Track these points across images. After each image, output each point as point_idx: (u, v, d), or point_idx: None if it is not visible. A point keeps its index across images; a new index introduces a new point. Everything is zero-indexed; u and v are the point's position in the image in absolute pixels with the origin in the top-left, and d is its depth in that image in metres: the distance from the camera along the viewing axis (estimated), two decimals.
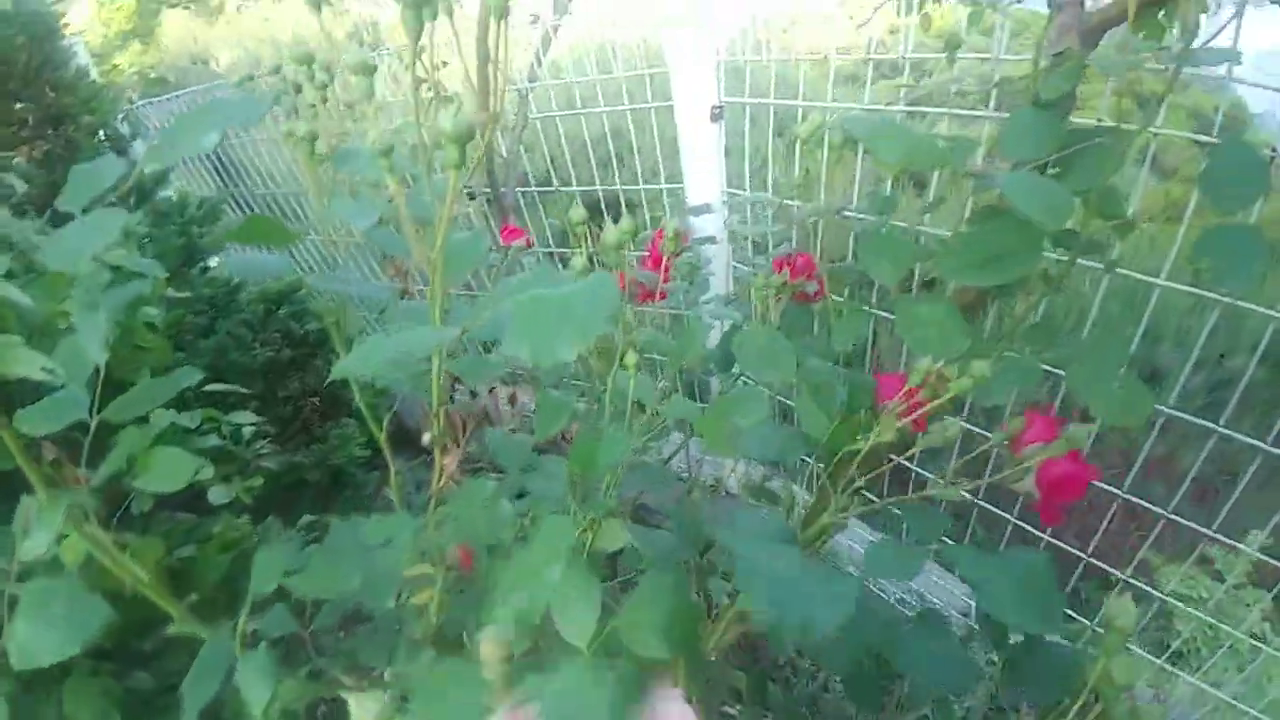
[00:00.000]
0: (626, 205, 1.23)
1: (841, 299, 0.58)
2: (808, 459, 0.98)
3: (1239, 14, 0.43)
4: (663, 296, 0.85)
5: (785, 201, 0.89)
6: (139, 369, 0.58)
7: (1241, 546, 0.87)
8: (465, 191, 1.31)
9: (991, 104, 0.80)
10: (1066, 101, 0.52)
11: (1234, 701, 0.98)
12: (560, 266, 1.29)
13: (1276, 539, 0.81)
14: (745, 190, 1.08)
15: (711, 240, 1.04)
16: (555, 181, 1.28)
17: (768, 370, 0.50)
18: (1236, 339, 1.44)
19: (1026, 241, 0.47)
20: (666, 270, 0.87)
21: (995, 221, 0.49)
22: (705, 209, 1.01)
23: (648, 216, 1.19)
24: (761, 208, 0.97)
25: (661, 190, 1.17)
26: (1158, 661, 1.08)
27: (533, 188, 1.32)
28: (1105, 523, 0.95)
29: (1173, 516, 0.85)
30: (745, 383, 0.73)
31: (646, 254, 0.93)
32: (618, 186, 1.17)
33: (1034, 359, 0.45)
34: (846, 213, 0.69)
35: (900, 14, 0.98)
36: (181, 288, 1.08)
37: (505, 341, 0.26)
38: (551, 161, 1.32)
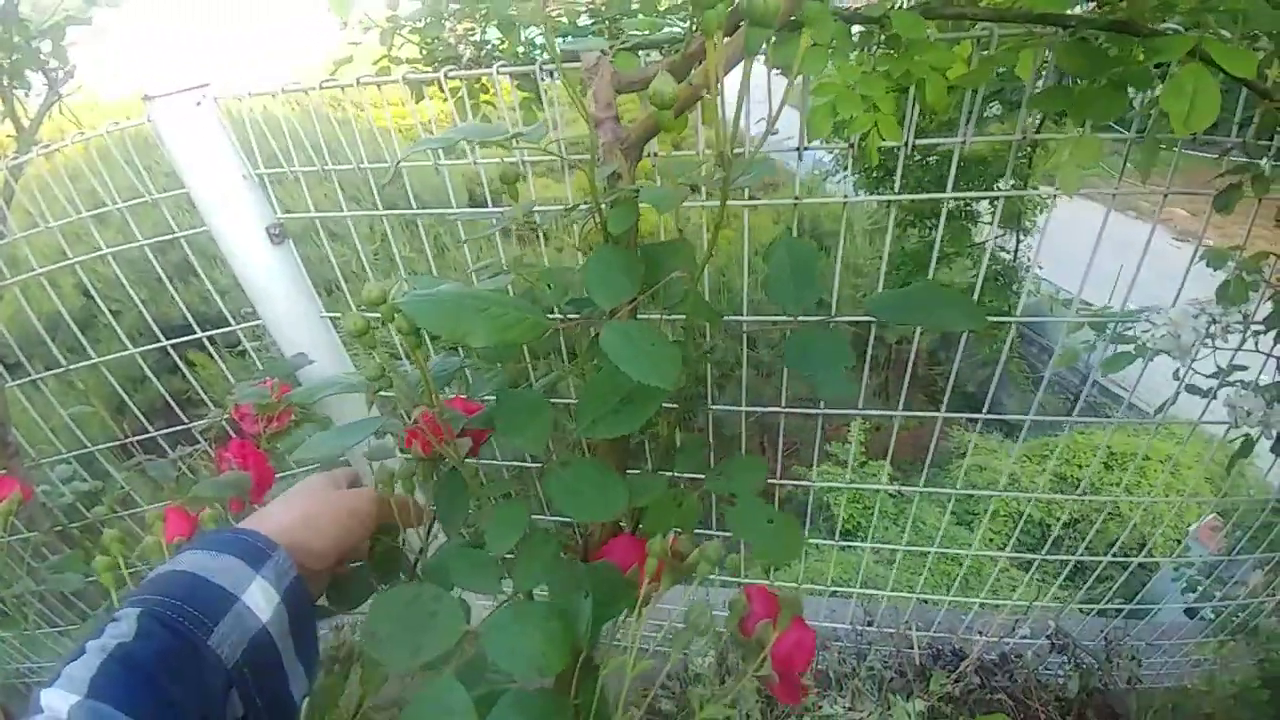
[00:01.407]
0: (226, 344, 0.93)
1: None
2: None
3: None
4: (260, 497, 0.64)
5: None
6: None
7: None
8: None
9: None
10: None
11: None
12: (99, 480, 0.92)
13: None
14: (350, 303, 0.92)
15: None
16: (94, 344, 0.91)
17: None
18: None
19: (642, 385, 0.46)
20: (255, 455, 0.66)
21: (611, 368, 0.46)
22: (302, 360, 0.81)
23: (225, 368, 0.93)
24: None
25: (252, 330, 0.91)
26: (832, 542, 1.27)
27: (34, 375, 0.92)
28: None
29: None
30: None
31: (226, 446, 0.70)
32: (165, 343, 0.88)
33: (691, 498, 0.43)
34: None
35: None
36: None
37: None
38: (85, 306, 0.94)
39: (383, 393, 0.46)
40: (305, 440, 0.47)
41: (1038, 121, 0.68)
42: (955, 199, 0.77)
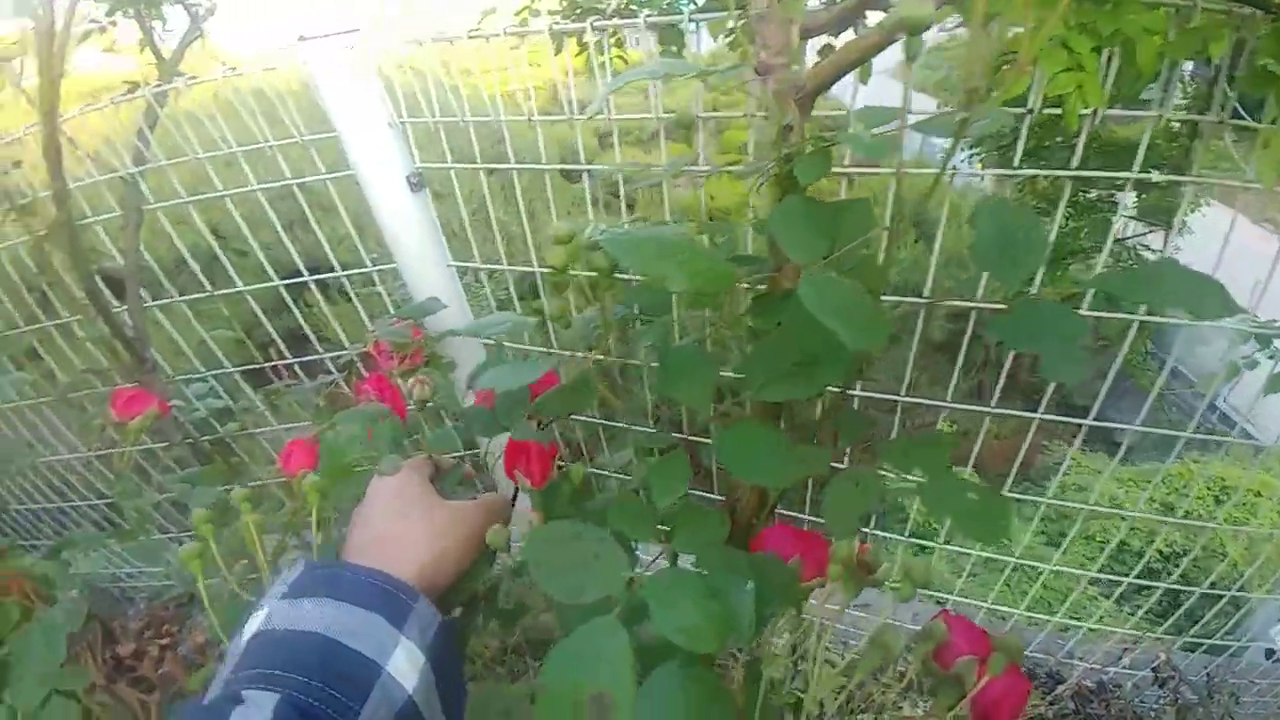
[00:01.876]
0: (324, 292, 0.97)
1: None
2: None
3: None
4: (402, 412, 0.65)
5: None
6: None
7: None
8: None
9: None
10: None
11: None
12: (230, 400, 0.98)
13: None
14: (475, 259, 0.93)
15: (454, 333, 0.86)
16: (211, 283, 0.96)
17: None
18: None
19: (832, 347, 0.43)
20: (391, 390, 0.68)
21: (795, 327, 0.44)
22: (434, 304, 0.83)
23: (357, 302, 0.96)
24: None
25: (372, 274, 0.94)
26: (904, 539, 1.20)
27: (175, 297, 0.98)
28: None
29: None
30: None
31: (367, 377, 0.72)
32: (306, 278, 0.92)
33: (872, 478, 0.40)
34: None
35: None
36: None
37: None
38: (217, 244, 0.99)
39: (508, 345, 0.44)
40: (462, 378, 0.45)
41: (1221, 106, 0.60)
42: (1079, 176, 0.68)
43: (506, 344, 0.82)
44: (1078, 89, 0.57)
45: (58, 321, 1.01)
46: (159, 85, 0.86)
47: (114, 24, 1.20)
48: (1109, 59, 0.60)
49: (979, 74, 0.31)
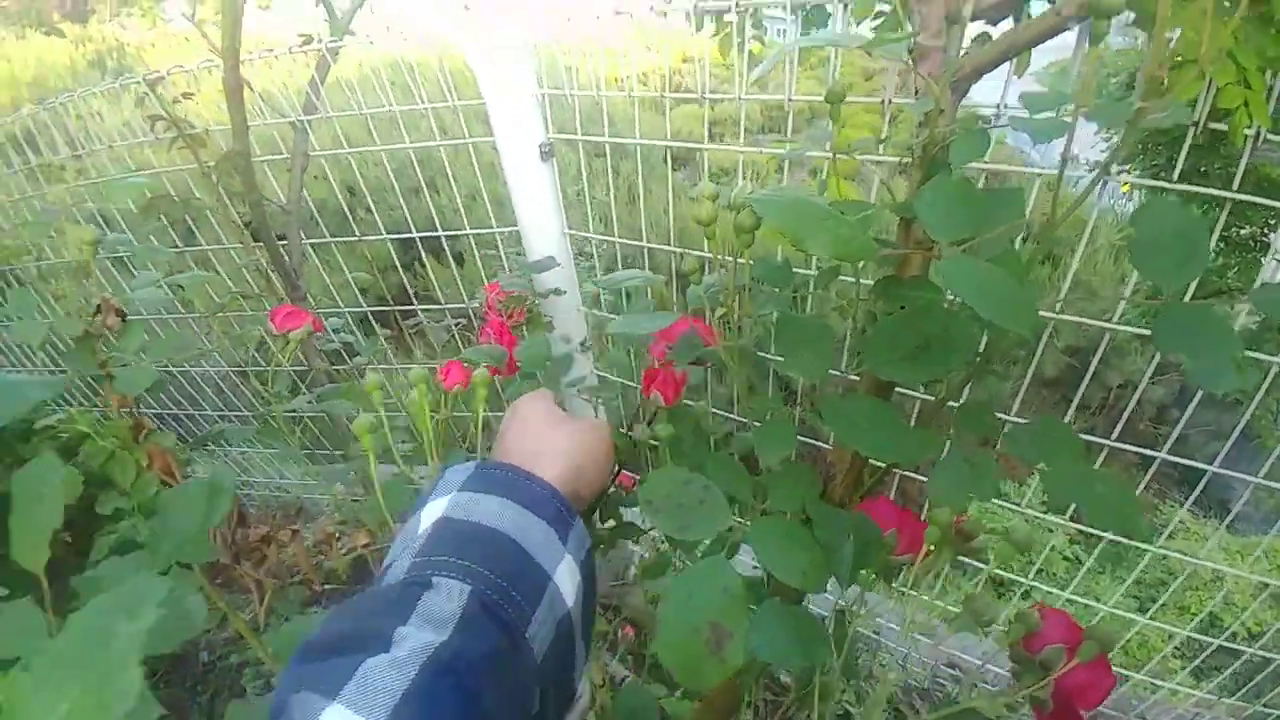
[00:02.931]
0: (453, 253, 1.05)
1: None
2: None
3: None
4: (513, 369, 0.71)
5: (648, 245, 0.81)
6: None
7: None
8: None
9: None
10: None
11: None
12: (362, 338, 1.07)
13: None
14: (589, 232, 0.98)
15: (559, 292, 0.91)
16: (355, 227, 1.06)
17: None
18: None
19: (957, 328, 0.44)
20: (508, 336, 0.74)
21: (920, 307, 0.45)
22: (550, 263, 0.88)
23: (479, 262, 1.04)
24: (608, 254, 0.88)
25: (495, 236, 1.01)
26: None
27: (326, 238, 1.08)
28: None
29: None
30: None
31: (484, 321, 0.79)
32: (439, 233, 1.00)
33: (988, 460, 0.41)
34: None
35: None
36: None
37: None
38: (348, 200, 1.10)
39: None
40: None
41: None
42: (1239, 200, 0.63)
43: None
44: (1244, 105, 0.54)
45: (216, 246, 1.14)
46: (334, 42, 0.95)
47: None
48: (1273, 83, 0.57)
49: (1161, 64, 0.31)
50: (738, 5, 0.76)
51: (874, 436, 0.42)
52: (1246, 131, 0.58)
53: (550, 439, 0.43)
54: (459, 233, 0.98)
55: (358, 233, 1.05)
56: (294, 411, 0.97)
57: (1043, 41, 0.46)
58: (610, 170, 0.97)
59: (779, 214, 0.38)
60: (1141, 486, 0.82)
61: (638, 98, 0.86)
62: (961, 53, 0.48)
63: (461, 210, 1.02)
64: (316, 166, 1.11)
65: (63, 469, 0.40)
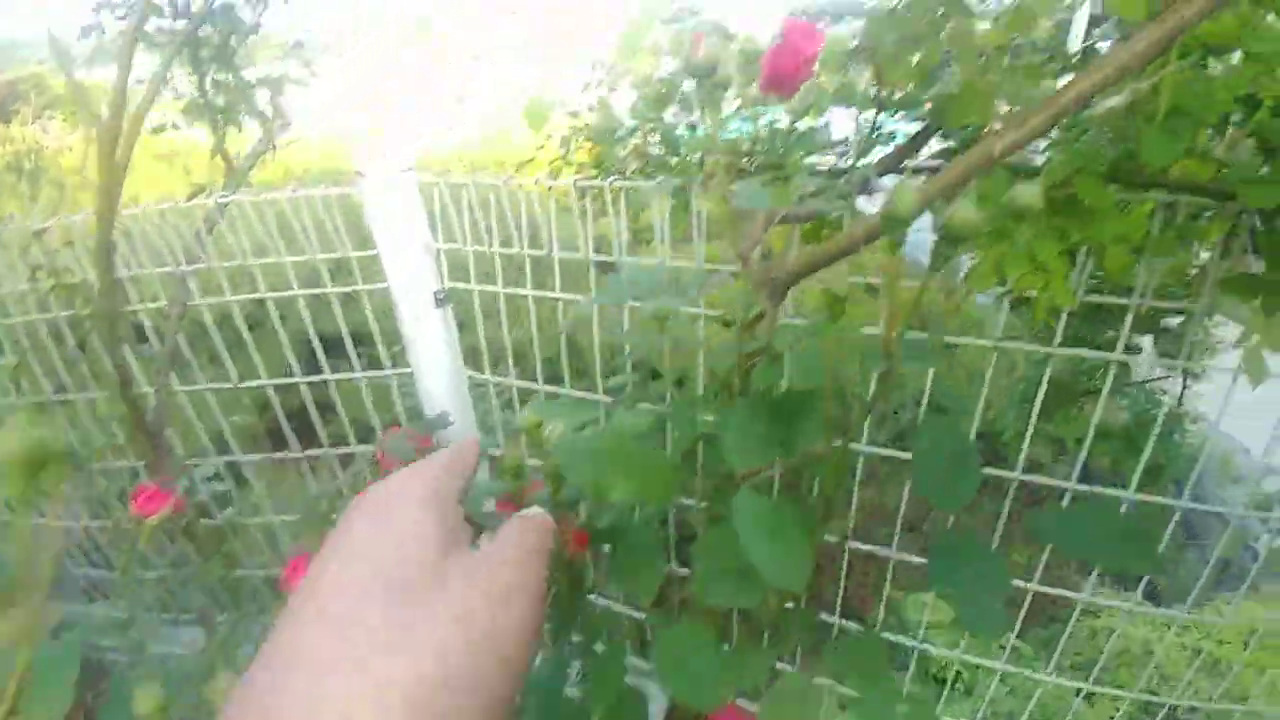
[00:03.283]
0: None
1: None
2: None
3: None
4: None
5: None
6: None
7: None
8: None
9: None
10: None
11: None
12: (236, 484, 1.02)
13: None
14: (487, 373, 0.98)
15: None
16: (236, 366, 1.03)
17: None
18: None
19: None
20: None
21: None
22: (444, 420, 0.88)
23: (369, 404, 1.01)
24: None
25: (391, 379, 1.00)
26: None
27: (201, 385, 1.04)
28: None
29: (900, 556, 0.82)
30: None
31: None
32: (328, 377, 0.98)
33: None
34: None
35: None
36: None
37: None
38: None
39: None
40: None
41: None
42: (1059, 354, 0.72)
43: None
44: (1044, 289, 0.61)
45: (86, 395, 1.07)
46: (225, 196, 0.96)
47: (187, 125, 1.32)
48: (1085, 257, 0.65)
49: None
50: (611, 186, 0.83)
51: (696, 676, 0.38)
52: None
53: (401, 616, 0.22)
54: (349, 376, 0.97)
55: (258, 363, 1.01)
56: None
57: (850, 254, 0.50)
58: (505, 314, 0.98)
59: (579, 466, 0.38)
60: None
61: (528, 255, 0.90)
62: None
63: (351, 354, 1.00)
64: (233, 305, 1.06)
65: None
